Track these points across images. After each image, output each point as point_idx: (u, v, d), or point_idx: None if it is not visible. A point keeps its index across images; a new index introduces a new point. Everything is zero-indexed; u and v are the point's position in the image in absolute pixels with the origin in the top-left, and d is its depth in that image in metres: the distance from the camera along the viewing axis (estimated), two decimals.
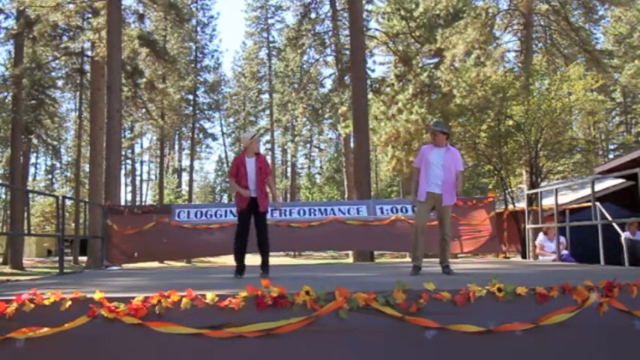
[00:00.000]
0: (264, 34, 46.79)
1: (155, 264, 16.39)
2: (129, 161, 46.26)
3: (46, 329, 3.24)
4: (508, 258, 12.50)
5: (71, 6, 20.47)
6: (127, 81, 21.73)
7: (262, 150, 6.68)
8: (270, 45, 45.84)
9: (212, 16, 42.29)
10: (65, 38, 24.16)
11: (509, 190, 14.83)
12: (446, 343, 3.35)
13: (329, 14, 25.81)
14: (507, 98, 14.18)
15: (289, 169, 48.44)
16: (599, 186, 13.49)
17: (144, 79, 22.82)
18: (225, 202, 46.97)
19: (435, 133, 5.75)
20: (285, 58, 30.70)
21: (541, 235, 9.52)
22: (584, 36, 20.61)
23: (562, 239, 8.68)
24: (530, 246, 10.09)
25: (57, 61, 28.41)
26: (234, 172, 5.70)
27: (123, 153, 34.62)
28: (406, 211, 9.60)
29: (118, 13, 17.32)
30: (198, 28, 40.35)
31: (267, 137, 45.28)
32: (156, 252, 10.08)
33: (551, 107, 13.81)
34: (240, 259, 5.71)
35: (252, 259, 5.90)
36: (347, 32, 21.32)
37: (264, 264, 5.74)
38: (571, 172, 18.10)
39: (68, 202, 29.97)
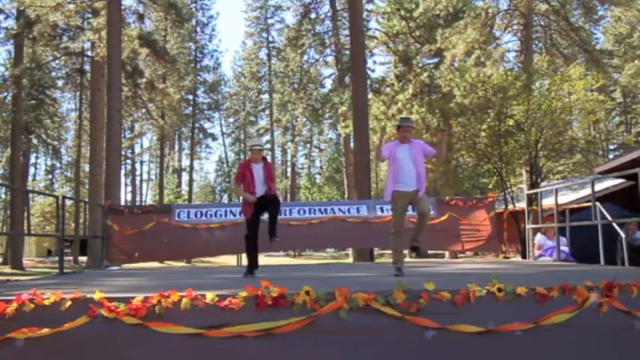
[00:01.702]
0: (264, 34, 46.81)
1: (155, 264, 16.37)
2: (129, 161, 46.25)
3: (46, 329, 3.23)
4: (508, 258, 12.49)
5: (71, 6, 20.47)
6: (127, 81, 21.74)
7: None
8: (270, 45, 45.83)
9: (212, 16, 42.29)
10: (65, 38, 24.21)
11: (510, 190, 14.82)
12: (446, 343, 3.35)
13: (329, 14, 25.78)
14: (508, 98, 14.17)
15: (289, 169, 48.41)
16: (599, 186, 13.47)
17: (144, 79, 22.84)
18: (226, 202, 46.95)
19: (404, 129, 5.59)
20: (285, 58, 30.67)
21: (539, 235, 9.51)
22: (584, 36, 20.61)
23: (562, 239, 8.66)
24: (530, 246, 10.08)
25: (57, 61, 28.43)
26: (240, 177, 5.71)
27: (123, 153, 34.64)
28: None
29: (118, 13, 17.33)
30: (198, 28, 40.35)
31: (267, 137, 45.27)
32: (156, 252, 10.08)
33: (552, 107, 13.81)
34: (251, 258, 5.74)
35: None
36: (347, 32, 21.29)
37: (273, 229, 5.65)
38: (571, 172, 18.10)
39: (68, 202, 29.95)
